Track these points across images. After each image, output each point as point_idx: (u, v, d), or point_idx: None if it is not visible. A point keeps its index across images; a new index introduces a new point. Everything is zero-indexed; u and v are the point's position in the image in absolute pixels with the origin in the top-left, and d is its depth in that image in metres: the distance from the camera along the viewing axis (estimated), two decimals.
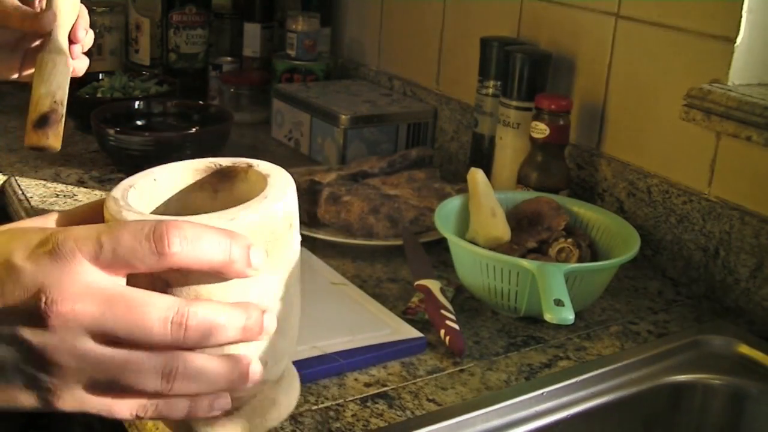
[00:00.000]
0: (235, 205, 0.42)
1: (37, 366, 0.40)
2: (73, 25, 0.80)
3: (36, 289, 0.38)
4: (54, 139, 0.69)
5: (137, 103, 1.41)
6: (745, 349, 0.87)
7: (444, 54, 1.43)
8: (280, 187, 0.43)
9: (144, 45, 1.74)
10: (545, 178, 1.08)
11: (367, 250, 1.06)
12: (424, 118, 1.43)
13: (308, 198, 1.13)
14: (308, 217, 1.11)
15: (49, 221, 0.46)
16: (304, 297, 0.94)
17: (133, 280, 0.40)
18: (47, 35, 0.76)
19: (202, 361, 0.41)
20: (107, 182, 1.24)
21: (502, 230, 0.95)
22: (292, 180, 0.44)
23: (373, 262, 1.04)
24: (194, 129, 1.32)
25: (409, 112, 1.43)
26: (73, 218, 0.46)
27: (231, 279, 0.40)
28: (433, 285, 0.90)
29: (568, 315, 0.77)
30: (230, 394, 0.43)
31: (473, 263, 0.89)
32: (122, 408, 0.42)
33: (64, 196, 1.18)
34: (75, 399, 0.41)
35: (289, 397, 0.47)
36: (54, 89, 0.70)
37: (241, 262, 0.40)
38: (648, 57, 1.06)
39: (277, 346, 0.44)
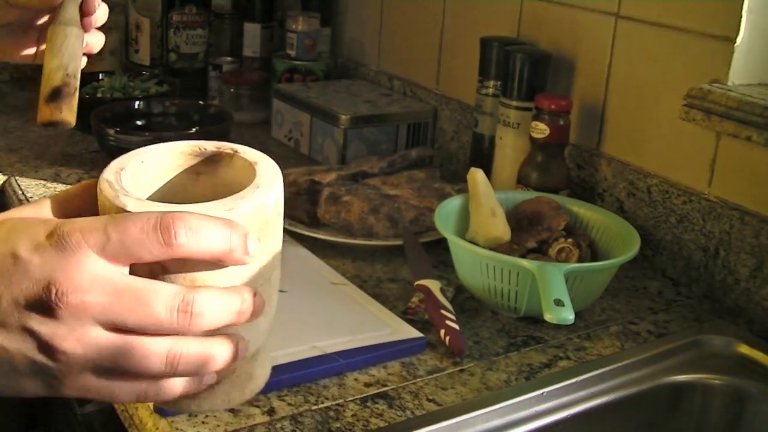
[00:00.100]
0: (217, 188, 0.44)
1: (45, 354, 0.41)
2: None
3: (45, 281, 0.39)
4: (68, 113, 0.65)
5: (137, 103, 1.41)
6: (745, 349, 0.87)
7: (444, 54, 1.43)
8: (270, 177, 0.45)
9: (144, 45, 1.74)
10: (545, 178, 1.08)
11: (367, 250, 1.06)
12: (424, 118, 1.43)
13: (308, 198, 1.13)
14: (308, 217, 1.11)
15: (43, 207, 0.46)
16: (304, 297, 0.94)
17: (132, 268, 0.42)
18: (58, 7, 0.72)
19: (202, 343, 0.43)
20: None
21: (502, 230, 0.95)
22: (279, 168, 0.46)
23: (373, 262, 1.04)
24: (194, 129, 1.33)
25: (409, 112, 1.43)
26: (66, 203, 0.47)
27: (228, 266, 0.42)
28: (433, 285, 0.90)
29: (568, 315, 0.77)
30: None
31: (473, 263, 0.89)
32: (124, 393, 0.43)
33: None
34: (79, 385, 0.42)
35: (264, 370, 0.49)
36: (66, 62, 0.67)
37: (239, 250, 0.41)
38: (648, 57, 1.06)
39: (259, 325, 0.46)
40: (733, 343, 0.88)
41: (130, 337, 0.41)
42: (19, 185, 1.21)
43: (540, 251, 0.94)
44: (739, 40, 0.94)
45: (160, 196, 0.48)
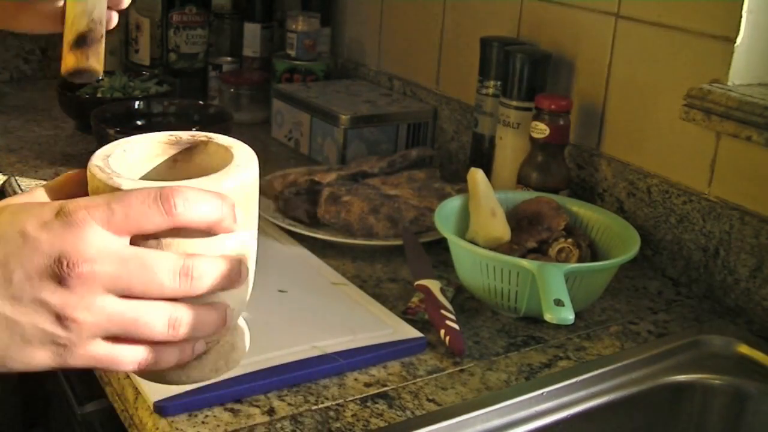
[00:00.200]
0: (191, 174, 0.48)
1: (56, 323, 0.43)
2: None
3: (56, 254, 0.42)
4: (94, 60, 0.63)
5: (137, 103, 1.41)
6: (745, 349, 0.87)
7: (444, 54, 1.43)
8: (247, 157, 0.49)
9: (144, 45, 1.74)
10: (545, 178, 1.08)
11: (367, 250, 1.06)
12: (424, 118, 1.43)
13: (308, 198, 1.13)
14: (308, 217, 1.11)
15: (37, 195, 0.48)
16: (304, 297, 0.94)
17: (131, 241, 0.45)
18: None
19: (197, 309, 0.46)
20: None
21: (502, 230, 0.95)
22: (253, 152, 0.50)
23: (373, 262, 1.04)
24: (194, 129, 1.33)
25: (409, 112, 1.43)
26: (57, 191, 0.49)
27: (218, 234, 0.46)
28: (433, 285, 0.90)
29: (568, 315, 0.77)
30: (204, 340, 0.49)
31: (473, 263, 0.89)
32: (127, 360, 0.46)
33: None
34: (87, 354, 0.45)
35: (244, 341, 0.52)
36: (90, 8, 0.64)
37: (228, 218, 0.45)
38: (648, 57, 1.06)
39: (240, 296, 0.49)
40: (733, 343, 0.88)
41: (136, 302, 0.44)
42: (19, 185, 1.21)
43: (540, 251, 0.94)
44: (739, 40, 0.94)
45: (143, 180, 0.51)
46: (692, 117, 0.95)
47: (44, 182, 0.51)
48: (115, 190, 0.44)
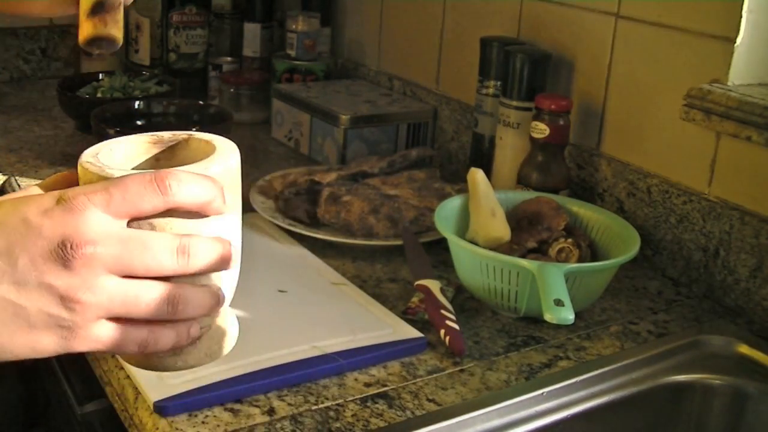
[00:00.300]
0: (174, 166, 0.50)
1: (61, 305, 0.45)
2: None
3: (59, 238, 0.44)
4: (113, 26, 0.61)
5: (137, 103, 1.41)
6: (745, 349, 0.87)
7: (444, 54, 1.43)
8: (228, 148, 0.51)
9: (144, 45, 1.74)
10: (545, 178, 1.08)
11: (367, 250, 1.06)
12: (424, 118, 1.43)
13: (308, 198, 1.13)
14: (308, 217, 1.11)
15: (30, 190, 0.50)
16: (304, 297, 0.94)
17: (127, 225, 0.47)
18: None
19: (195, 288, 0.48)
20: None
21: (502, 230, 0.95)
22: (234, 143, 0.52)
23: (373, 262, 1.04)
24: (194, 129, 1.32)
25: (409, 112, 1.43)
26: (51, 189, 0.50)
27: (207, 216, 0.48)
28: (433, 285, 0.90)
29: (568, 315, 0.77)
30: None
31: (473, 263, 0.89)
32: (129, 342, 0.47)
33: None
34: (91, 337, 0.46)
35: (234, 328, 0.53)
36: None
37: (218, 200, 0.48)
38: (648, 57, 1.06)
39: (232, 276, 0.51)
40: (733, 343, 0.88)
41: (137, 281, 0.46)
42: (19, 185, 1.21)
43: (540, 251, 0.94)
44: (739, 40, 0.94)
45: None
46: (692, 117, 0.95)
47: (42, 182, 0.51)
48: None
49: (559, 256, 0.93)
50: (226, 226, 0.50)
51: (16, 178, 1.23)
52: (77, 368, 0.93)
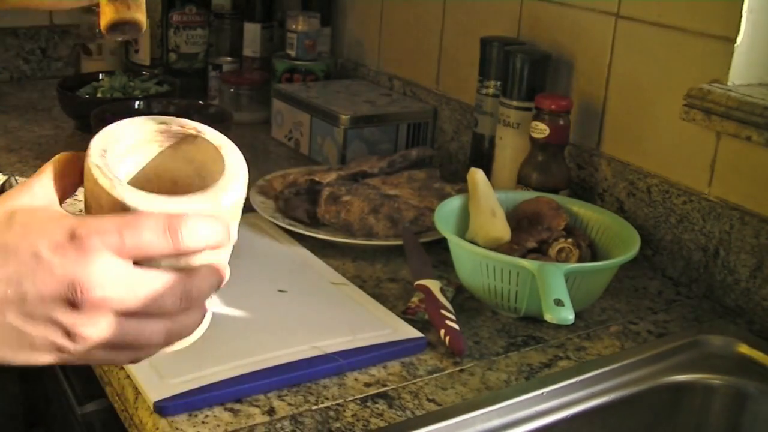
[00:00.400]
0: (177, 162, 0.51)
1: (65, 337, 0.46)
2: None
3: (69, 280, 0.45)
4: (137, 9, 0.59)
5: (137, 103, 1.41)
6: (745, 349, 0.87)
7: (444, 54, 1.43)
8: (238, 164, 0.51)
9: (144, 45, 1.74)
10: (545, 178, 1.08)
11: (367, 250, 1.06)
12: (424, 118, 1.43)
13: (308, 198, 1.13)
14: (308, 217, 1.11)
15: (34, 192, 0.49)
16: (304, 297, 0.94)
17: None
18: None
19: (190, 320, 0.50)
20: None
21: (502, 230, 0.95)
22: (241, 153, 0.52)
23: (373, 262, 1.04)
24: None
25: (409, 112, 1.43)
26: (56, 182, 0.50)
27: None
28: (433, 285, 0.90)
29: (568, 315, 0.77)
30: None
31: (473, 263, 0.89)
32: (123, 358, 0.50)
33: None
34: (88, 358, 0.49)
35: (209, 312, 0.54)
36: None
37: (225, 240, 0.49)
38: (648, 57, 1.06)
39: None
40: (733, 343, 0.88)
41: (137, 320, 0.48)
42: None
43: (540, 251, 0.93)
44: (739, 40, 0.94)
45: (137, 170, 0.53)
46: (692, 117, 0.95)
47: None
48: (118, 203, 0.47)
49: (559, 256, 0.93)
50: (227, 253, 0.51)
51: (16, 178, 1.23)
52: (77, 368, 0.93)
